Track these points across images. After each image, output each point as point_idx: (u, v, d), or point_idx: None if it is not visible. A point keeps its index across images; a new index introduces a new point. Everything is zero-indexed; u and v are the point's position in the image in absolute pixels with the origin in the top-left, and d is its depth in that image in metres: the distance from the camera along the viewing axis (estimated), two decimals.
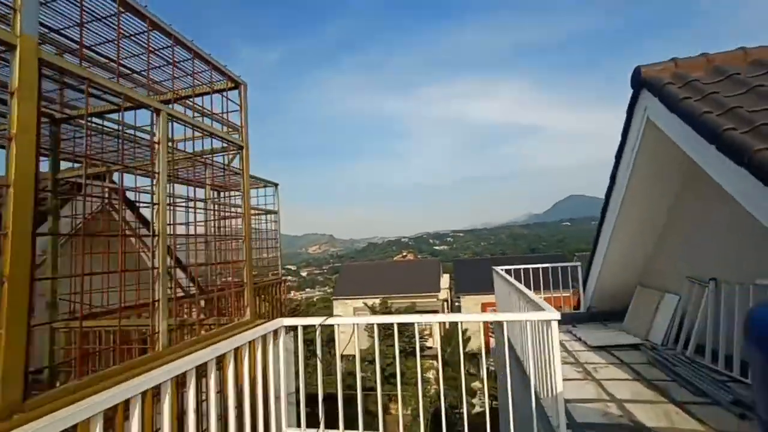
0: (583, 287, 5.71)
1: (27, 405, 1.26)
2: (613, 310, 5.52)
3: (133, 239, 5.12)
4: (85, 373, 2.91)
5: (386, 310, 27.67)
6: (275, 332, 2.59)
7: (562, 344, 4.59)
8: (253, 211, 6.80)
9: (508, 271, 5.76)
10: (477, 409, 22.25)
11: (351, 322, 2.59)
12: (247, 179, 2.66)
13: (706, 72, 3.44)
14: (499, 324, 4.42)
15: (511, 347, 4.01)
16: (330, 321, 2.60)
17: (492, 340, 24.74)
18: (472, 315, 2.59)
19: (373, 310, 27.99)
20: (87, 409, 1.31)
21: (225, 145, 2.69)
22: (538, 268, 6.09)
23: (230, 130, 2.96)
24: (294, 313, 30.99)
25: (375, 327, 2.65)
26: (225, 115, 2.70)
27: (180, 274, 6.18)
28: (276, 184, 6.89)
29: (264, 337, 2.48)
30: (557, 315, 2.26)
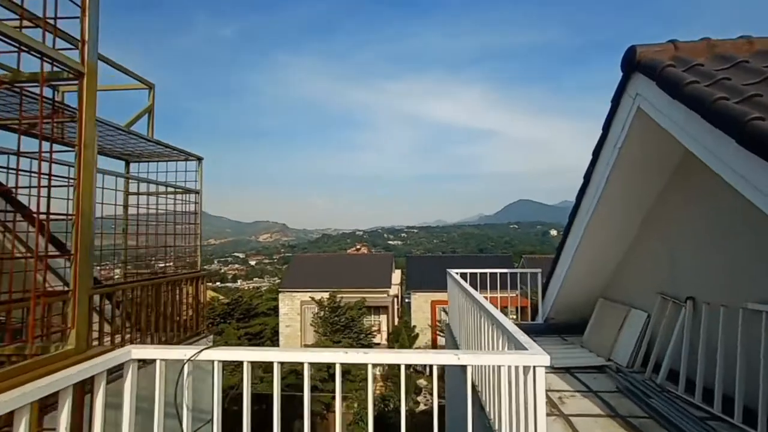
0: (542, 296, 5.23)
1: None
2: (572, 322, 5.09)
3: None
4: None
5: (334, 304, 26.75)
6: (112, 371, 1.65)
7: None
8: (166, 190, 5.60)
9: (463, 276, 5.13)
10: (421, 407, 22.14)
11: (238, 358, 1.71)
12: (89, 126, 1.67)
13: (708, 58, 2.93)
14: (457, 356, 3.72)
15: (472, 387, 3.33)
16: (206, 355, 1.70)
17: (440, 338, 24.76)
18: (425, 354, 1.80)
19: (321, 304, 26.96)
20: None
21: (60, 69, 1.68)
22: (495, 273, 5.54)
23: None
24: (234, 306, 29.03)
25: (276, 369, 1.79)
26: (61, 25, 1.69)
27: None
28: (200, 158, 5.74)
29: (91, 381, 1.54)
30: (545, 359, 1.55)
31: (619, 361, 3.86)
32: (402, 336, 25.38)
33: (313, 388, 22.03)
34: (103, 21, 1.64)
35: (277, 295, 30.02)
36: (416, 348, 26.53)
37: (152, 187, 5.69)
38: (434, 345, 24.84)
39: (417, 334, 27.64)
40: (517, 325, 4.83)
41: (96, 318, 4.05)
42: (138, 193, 5.69)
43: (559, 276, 4.73)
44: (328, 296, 26.80)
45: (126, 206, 5.66)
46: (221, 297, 31.32)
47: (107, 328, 3.94)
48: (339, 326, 26.06)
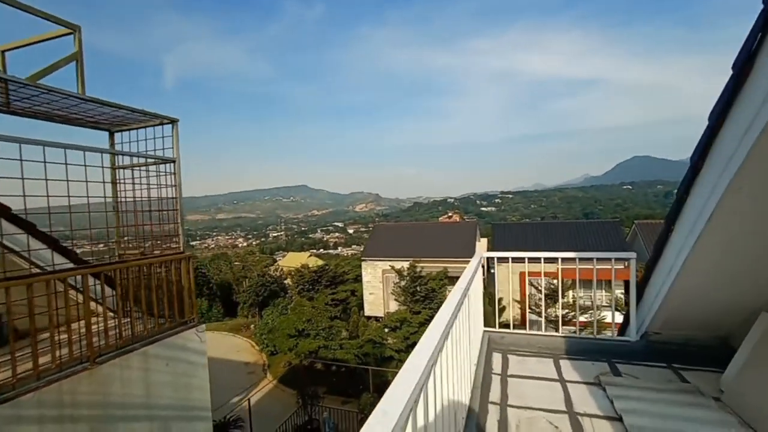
0: (637, 297, 3.11)
1: None
2: (696, 342, 2.93)
3: None
4: None
5: (415, 274, 25.90)
6: None
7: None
8: (146, 161, 4.77)
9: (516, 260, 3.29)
10: None
11: None
12: None
13: None
14: None
15: None
16: None
17: (530, 315, 22.07)
18: None
19: (401, 273, 26.34)
20: None
21: None
22: (555, 259, 3.54)
23: None
24: (321, 274, 30.17)
25: None
26: None
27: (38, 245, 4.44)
28: (174, 120, 4.74)
29: None
30: None
31: None
32: (485, 309, 23.47)
33: (389, 359, 21.58)
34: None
35: (360, 263, 30.36)
36: (503, 321, 24.27)
37: (131, 160, 4.97)
38: (523, 322, 22.43)
39: (504, 307, 25.43)
40: (590, 341, 2.89)
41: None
42: (121, 167, 5.02)
43: (669, 266, 2.60)
44: (408, 266, 26.05)
45: (114, 182, 5.05)
46: (310, 265, 32.98)
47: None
48: (419, 296, 25.23)
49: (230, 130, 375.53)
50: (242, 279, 35.08)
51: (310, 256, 50.32)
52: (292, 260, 44.34)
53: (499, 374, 2.86)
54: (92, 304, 3.90)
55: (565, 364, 2.99)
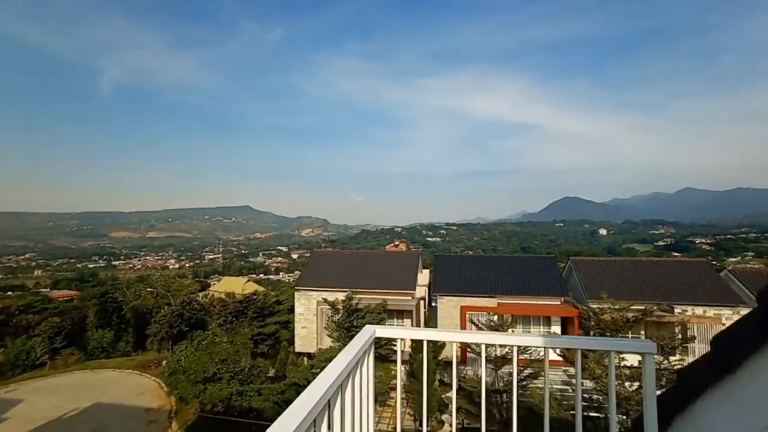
0: (660, 418, 1.64)
1: None
2: None
3: None
4: None
5: (351, 307, 23.81)
6: None
7: None
8: None
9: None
10: (446, 427, 18.66)
11: None
12: None
13: None
14: None
15: None
16: None
17: (469, 354, 20.91)
18: None
19: (334, 306, 24.13)
20: None
21: None
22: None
23: None
24: (247, 304, 26.92)
25: None
26: None
27: None
28: None
29: None
30: None
31: None
32: (419, 347, 21.97)
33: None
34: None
35: (294, 293, 27.66)
36: (442, 359, 22.76)
37: None
38: (463, 360, 21.11)
39: (443, 344, 24.12)
40: None
41: None
42: None
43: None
44: (343, 298, 23.98)
45: None
46: (237, 293, 29.54)
47: None
48: (354, 332, 23.15)
49: (170, 141, 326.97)
50: (163, 306, 30.68)
51: (248, 281, 46.44)
52: (226, 285, 40.32)
53: None
54: None
55: None
